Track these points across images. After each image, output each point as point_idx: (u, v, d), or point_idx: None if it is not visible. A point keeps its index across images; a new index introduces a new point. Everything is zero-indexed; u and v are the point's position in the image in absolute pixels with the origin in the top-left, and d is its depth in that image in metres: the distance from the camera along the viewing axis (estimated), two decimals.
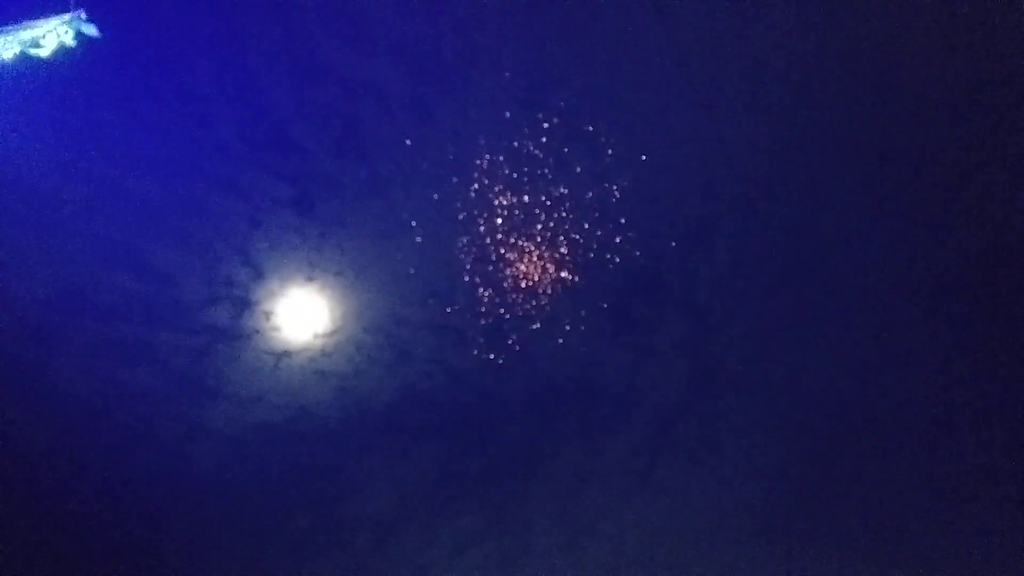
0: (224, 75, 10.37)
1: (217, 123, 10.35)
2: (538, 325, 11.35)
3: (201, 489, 11.04)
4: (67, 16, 9.87)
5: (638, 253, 11.50)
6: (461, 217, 11.17)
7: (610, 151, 10.97)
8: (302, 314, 11.30)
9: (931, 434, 11.56)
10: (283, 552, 11.60)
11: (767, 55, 10.66)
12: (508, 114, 10.81)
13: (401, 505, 11.80)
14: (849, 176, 11.23)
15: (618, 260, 11.45)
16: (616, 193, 11.29)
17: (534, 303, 11.33)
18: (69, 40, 9.89)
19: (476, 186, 11.06)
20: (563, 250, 11.25)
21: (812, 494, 11.84)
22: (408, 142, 10.70)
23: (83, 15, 9.87)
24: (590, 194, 11.31)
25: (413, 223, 11.14)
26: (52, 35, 9.76)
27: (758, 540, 12.04)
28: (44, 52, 9.86)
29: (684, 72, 10.64)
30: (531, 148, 10.91)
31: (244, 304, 10.95)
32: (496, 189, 10.99)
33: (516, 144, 10.86)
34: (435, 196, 11.06)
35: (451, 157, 10.98)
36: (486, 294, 11.31)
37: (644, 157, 10.89)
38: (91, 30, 9.99)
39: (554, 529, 12.17)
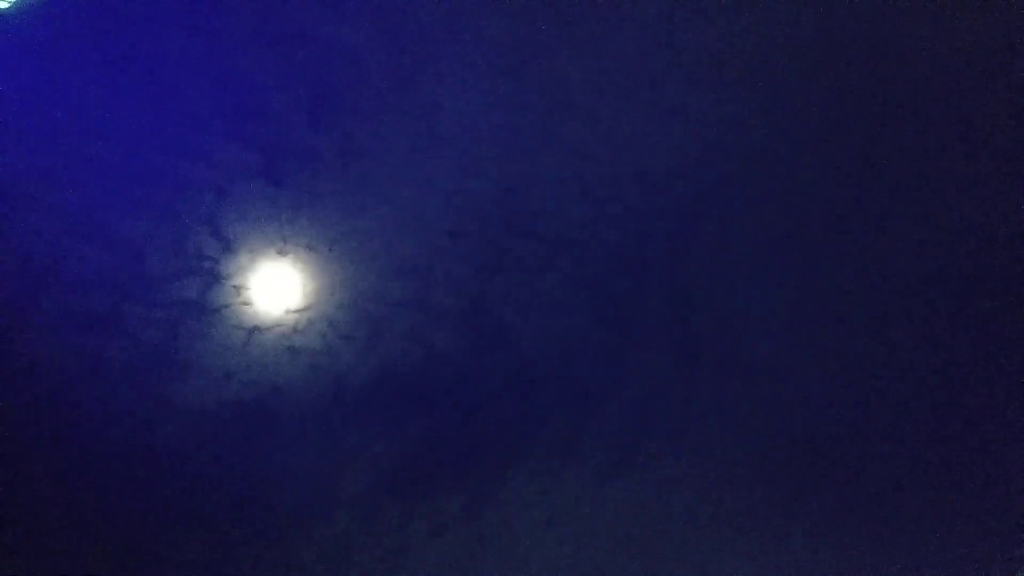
0: (193, 36, 9.87)
1: (185, 87, 9.86)
2: (519, 303, 10.97)
3: (172, 467, 10.85)
4: None
5: (624, 235, 11.06)
6: (440, 189, 10.69)
7: (600, 128, 10.46)
8: (273, 289, 10.93)
9: (929, 418, 11.25)
10: (256, 532, 11.49)
11: (761, 43, 10.15)
12: (492, 84, 10.24)
13: (377, 485, 11.59)
14: (845, 164, 10.79)
15: (604, 241, 11.02)
16: (602, 172, 10.80)
17: (513, 281, 10.94)
18: None
19: (456, 157, 10.53)
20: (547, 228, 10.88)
21: (802, 478, 11.52)
22: (385, 110, 10.19)
23: None
24: (575, 172, 10.84)
25: (389, 195, 10.67)
26: None
27: (745, 524, 11.79)
28: (4, 4, 9.46)
29: (675, 55, 10.10)
30: (514, 120, 10.37)
31: (213, 277, 10.59)
32: (477, 161, 10.46)
33: (499, 115, 10.30)
34: (413, 167, 10.56)
35: (431, 126, 10.45)
36: (463, 270, 10.88)
37: (634, 135, 10.38)
38: None
39: (535, 509, 11.96)
